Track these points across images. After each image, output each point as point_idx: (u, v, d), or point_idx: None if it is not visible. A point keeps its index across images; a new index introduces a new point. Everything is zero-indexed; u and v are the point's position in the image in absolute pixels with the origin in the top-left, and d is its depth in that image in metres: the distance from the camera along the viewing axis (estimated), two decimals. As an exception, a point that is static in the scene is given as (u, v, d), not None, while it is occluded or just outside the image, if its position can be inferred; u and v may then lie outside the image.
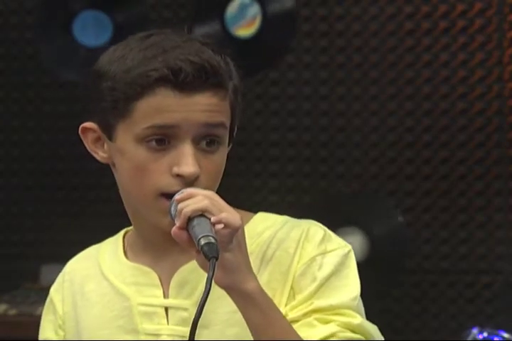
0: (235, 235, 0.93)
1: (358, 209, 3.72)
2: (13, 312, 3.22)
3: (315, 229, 1.09)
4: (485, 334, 2.30)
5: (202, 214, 0.93)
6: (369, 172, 4.63)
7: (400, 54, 4.65)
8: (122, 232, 1.20)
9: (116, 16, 3.71)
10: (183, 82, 0.98)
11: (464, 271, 3.96)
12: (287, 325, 0.99)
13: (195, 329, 0.89)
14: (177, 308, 1.06)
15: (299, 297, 1.04)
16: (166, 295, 1.08)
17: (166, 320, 1.06)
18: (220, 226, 0.93)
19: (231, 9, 3.64)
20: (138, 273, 1.08)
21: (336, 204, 4.06)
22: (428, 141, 4.60)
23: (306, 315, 1.02)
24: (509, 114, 4.35)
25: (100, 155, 1.09)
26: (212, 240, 0.90)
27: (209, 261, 0.89)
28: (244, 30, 3.71)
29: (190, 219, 0.94)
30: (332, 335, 1.00)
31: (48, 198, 4.03)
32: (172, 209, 0.98)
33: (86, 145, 1.11)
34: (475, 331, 2.36)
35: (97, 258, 1.15)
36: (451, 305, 3.82)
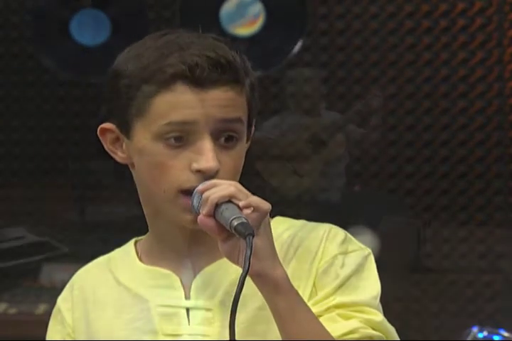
0: (263, 219, 0.94)
1: (359, 208, 3.71)
2: (12, 311, 3.22)
3: (336, 231, 1.10)
4: (485, 333, 2.29)
5: (229, 200, 0.94)
6: (369, 171, 4.63)
7: (400, 52, 4.65)
8: (132, 241, 1.19)
9: (114, 15, 3.71)
10: (199, 77, 0.98)
11: (464, 269, 3.96)
12: (312, 313, 0.99)
13: (236, 310, 0.88)
14: (199, 309, 1.06)
15: (322, 293, 1.04)
16: (187, 297, 1.08)
17: (187, 320, 1.06)
18: (248, 210, 0.93)
19: (227, 8, 3.63)
20: (157, 276, 1.08)
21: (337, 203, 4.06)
22: (428, 139, 4.60)
23: (328, 309, 1.03)
24: (509, 113, 4.34)
25: (119, 155, 1.08)
26: (245, 220, 0.90)
27: (245, 238, 0.89)
28: (244, 29, 3.70)
29: (217, 206, 0.93)
30: (353, 331, 1.01)
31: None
32: (195, 200, 0.97)
33: (105, 146, 1.09)
34: (475, 330, 2.36)
35: (107, 266, 1.15)
36: (452, 304, 3.82)
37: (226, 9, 3.64)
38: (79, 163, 3.72)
